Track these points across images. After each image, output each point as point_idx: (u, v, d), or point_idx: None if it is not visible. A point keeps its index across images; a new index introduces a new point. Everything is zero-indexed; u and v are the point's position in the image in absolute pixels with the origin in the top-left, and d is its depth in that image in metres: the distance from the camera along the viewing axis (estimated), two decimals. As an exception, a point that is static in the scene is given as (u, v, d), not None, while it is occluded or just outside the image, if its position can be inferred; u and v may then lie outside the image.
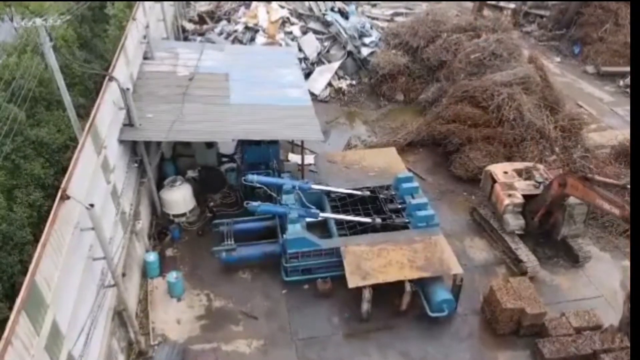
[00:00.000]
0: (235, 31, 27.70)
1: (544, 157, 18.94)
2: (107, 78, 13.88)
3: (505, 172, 16.61)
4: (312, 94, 23.88)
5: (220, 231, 15.27)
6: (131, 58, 17.11)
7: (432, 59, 22.81)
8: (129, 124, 14.96)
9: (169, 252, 16.02)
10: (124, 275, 12.92)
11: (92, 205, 9.96)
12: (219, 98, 17.49)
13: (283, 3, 29.45)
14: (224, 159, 19.25)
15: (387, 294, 13.81)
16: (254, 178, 15.06)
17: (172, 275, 14.34)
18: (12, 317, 7.32)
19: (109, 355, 11.26)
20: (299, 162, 18.29)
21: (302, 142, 17.36)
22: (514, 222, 15.53)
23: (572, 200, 14.55)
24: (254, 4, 29.63)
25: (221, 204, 17.60)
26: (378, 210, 15.72)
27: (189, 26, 31.00)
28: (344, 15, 27.94)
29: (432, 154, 20.65)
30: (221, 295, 14.64)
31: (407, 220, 15.13)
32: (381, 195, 16.06)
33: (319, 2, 29.07)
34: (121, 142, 14.49)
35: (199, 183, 18.13)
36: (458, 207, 18.13)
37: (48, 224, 8.79)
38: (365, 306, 13.46)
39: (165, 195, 16.62)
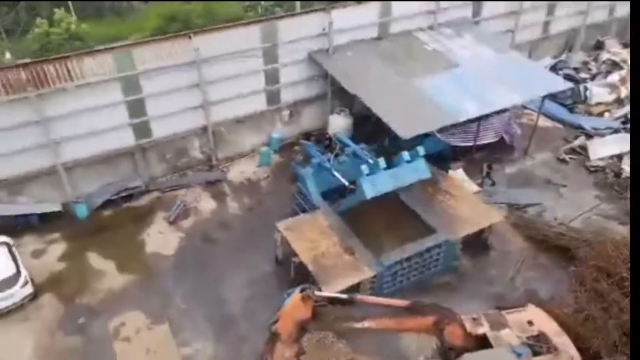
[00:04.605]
0: (604, 62, 23.71)
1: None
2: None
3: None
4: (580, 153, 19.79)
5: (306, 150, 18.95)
6: (397, 16, 20.83)
7: None
8: (327, 49, 19.70)
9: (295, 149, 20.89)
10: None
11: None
12: (414, 79, 18.71)
13: None
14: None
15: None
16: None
17: (263, 149, 19.92)
18: None
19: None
20: None
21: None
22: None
23: None
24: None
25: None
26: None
27: None
28: None
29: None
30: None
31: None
32: None
33: None
34: (310, 56, 19.64)
35: (373, 127, 19.66)
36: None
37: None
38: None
39: (330, 117, 20.99)
